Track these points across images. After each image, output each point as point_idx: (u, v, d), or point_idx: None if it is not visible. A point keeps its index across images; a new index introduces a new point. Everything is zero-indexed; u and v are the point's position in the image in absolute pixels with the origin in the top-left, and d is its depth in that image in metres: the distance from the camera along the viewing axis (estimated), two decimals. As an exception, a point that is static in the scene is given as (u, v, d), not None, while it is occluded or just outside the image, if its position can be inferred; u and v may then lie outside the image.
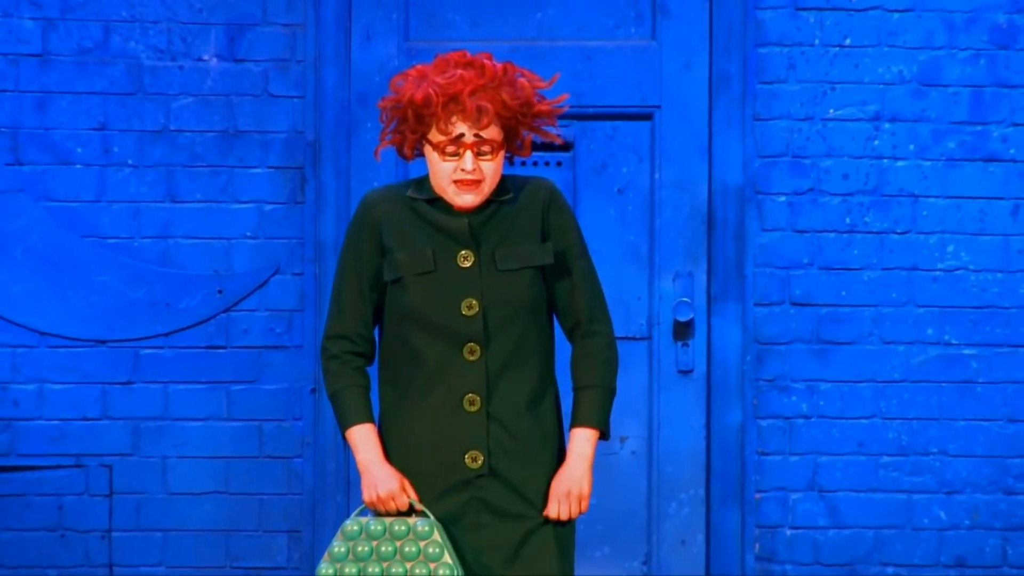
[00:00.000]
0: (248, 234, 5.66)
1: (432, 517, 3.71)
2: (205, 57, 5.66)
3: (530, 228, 3.78)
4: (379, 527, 3.73)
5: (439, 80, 3.68)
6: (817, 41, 5.65)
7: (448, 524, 3.73)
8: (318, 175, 5.64)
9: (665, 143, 5.66)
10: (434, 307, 3.73)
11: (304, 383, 5.64)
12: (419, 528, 3.70)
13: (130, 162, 5.66)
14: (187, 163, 5.66)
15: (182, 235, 5.66)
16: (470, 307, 3.73)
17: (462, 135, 3.69)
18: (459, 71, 3.70)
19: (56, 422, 5.64)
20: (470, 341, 3.73)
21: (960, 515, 5.64)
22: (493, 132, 3.71)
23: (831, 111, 5.65)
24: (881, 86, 5.65)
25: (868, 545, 5.63)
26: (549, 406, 3.82)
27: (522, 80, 3.74)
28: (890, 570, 5.63)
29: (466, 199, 3.73)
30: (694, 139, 5.66)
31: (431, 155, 3.74)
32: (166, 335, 5.65)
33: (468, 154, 3.70)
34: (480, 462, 3.73)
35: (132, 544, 5.64)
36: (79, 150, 5.65)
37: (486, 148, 3.71)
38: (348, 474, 5.62)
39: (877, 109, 5.65)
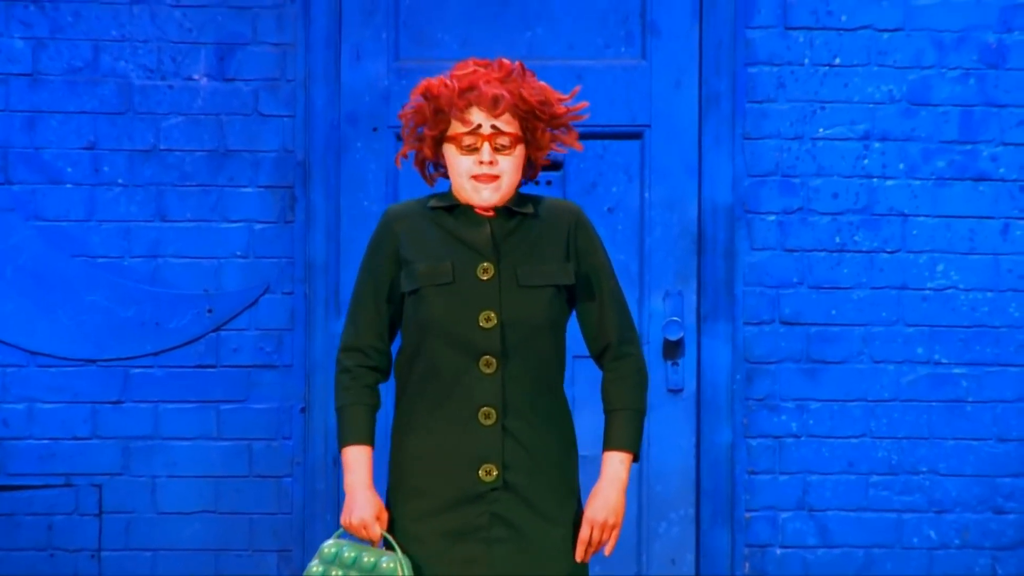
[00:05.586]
0: (238, 253, 5.66)
1: (400, 552, 3.70)
2: (195, 76, 5.66)
3: (555, 247, 3.78)
4: (352, 554, 3.73)
5: (457, 73, 3.76)
6: (807, 60, 5.66)
7: (461, 537, 3.71)
8: (308, 194, 5.64)
9: (655, 162, 5.66)
10: (452, 318, 3.72)
11: (294, 402, 5.64)
12: (383, 564, 3.69)
13: (120, 181, 5.66)
14: (177, 182, 5.65)
15: (172, 254, 5.66)
16: (488, 319, 3.71)
17: (479, 126, 3.71)
18: (477, 68, 3.76)
19: (46, 441, 5.63)
20: (486, 354, 3.71)
21: (950, 534, 5.64)
22: (511, 125, 3.73)
23: (821, 130, 5.65)
24: (871, 105, 5.65)
25: (858, 564, 5.63)
26: (564, 422, 3.81)
27: (540, 82, 3.81)
28: (880, 589, 5.64)
29: (484, 195, 3.73)
30: (684, 158, 5.66)
31: (450, 153, 3.76)
32: (156, 354, 5.64)
33: (485, 145, 3.72)
34: (495, 475, 3.71)
35: (122, 563, 5.63)
36: (69, 169, 5.64)
37: (504, 141, 3.72)
38: (338, 494, 5.61)
39: (867, 128, 5.65)
